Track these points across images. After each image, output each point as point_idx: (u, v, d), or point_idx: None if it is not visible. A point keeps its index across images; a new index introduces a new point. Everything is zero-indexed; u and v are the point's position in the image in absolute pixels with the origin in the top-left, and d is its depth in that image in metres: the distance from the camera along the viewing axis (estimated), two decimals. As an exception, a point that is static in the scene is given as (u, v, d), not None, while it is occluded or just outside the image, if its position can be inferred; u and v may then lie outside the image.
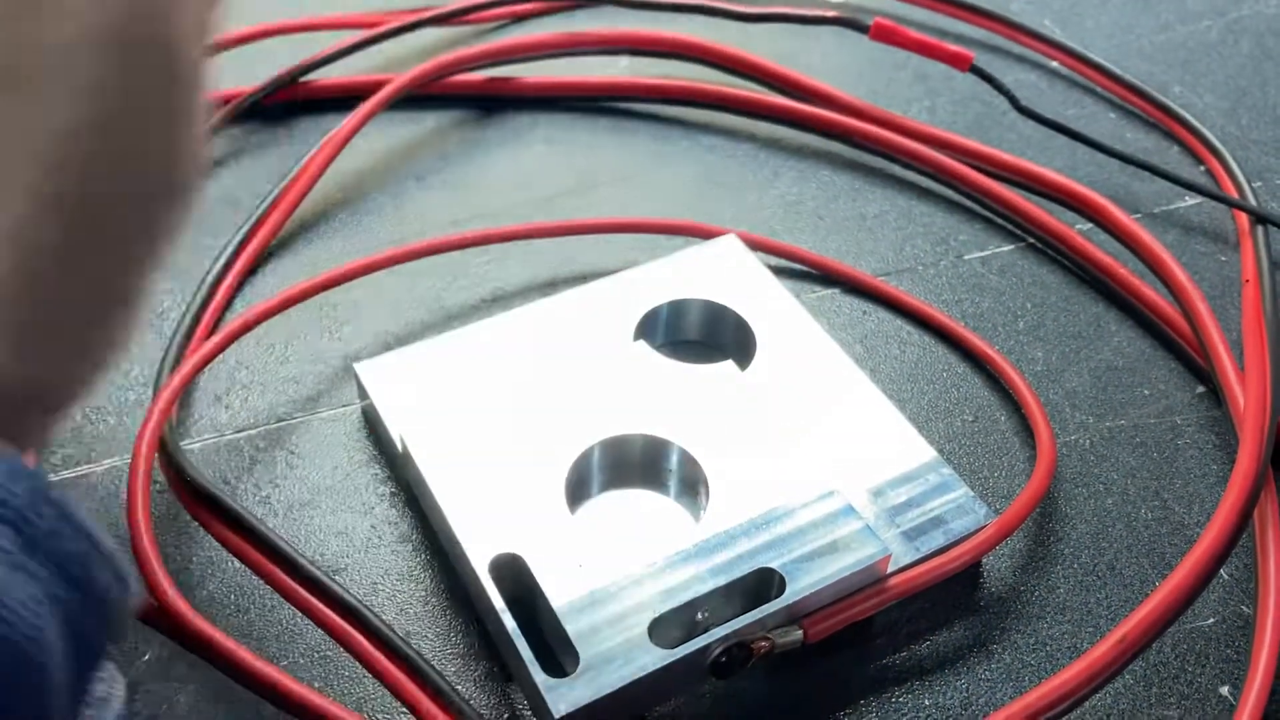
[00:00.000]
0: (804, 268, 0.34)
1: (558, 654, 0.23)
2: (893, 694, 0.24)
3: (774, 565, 0.23)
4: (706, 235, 0.32)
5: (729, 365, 0.27)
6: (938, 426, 0.29)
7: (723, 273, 0.31)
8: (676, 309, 0.30)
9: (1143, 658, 0.25)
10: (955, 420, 0.30)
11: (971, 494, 0.26)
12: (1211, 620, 0.26)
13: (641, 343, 0.28)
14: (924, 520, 0.25)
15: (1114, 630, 0.22)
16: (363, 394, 0.28)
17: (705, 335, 0.30)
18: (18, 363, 0.15)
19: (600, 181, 0.36)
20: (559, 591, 0.23)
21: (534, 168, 0.37)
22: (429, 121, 0.39)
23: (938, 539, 0.25)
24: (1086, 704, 0.24)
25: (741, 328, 0.30)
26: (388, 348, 0.30)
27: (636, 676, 0.21)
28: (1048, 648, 0.25)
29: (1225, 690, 0.25)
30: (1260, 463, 0.25)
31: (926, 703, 0.24)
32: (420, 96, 0.38)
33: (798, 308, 0.30)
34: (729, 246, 0.31)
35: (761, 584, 0.24)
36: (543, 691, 0.21)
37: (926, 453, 0.27)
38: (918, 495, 0.26)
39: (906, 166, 0.37)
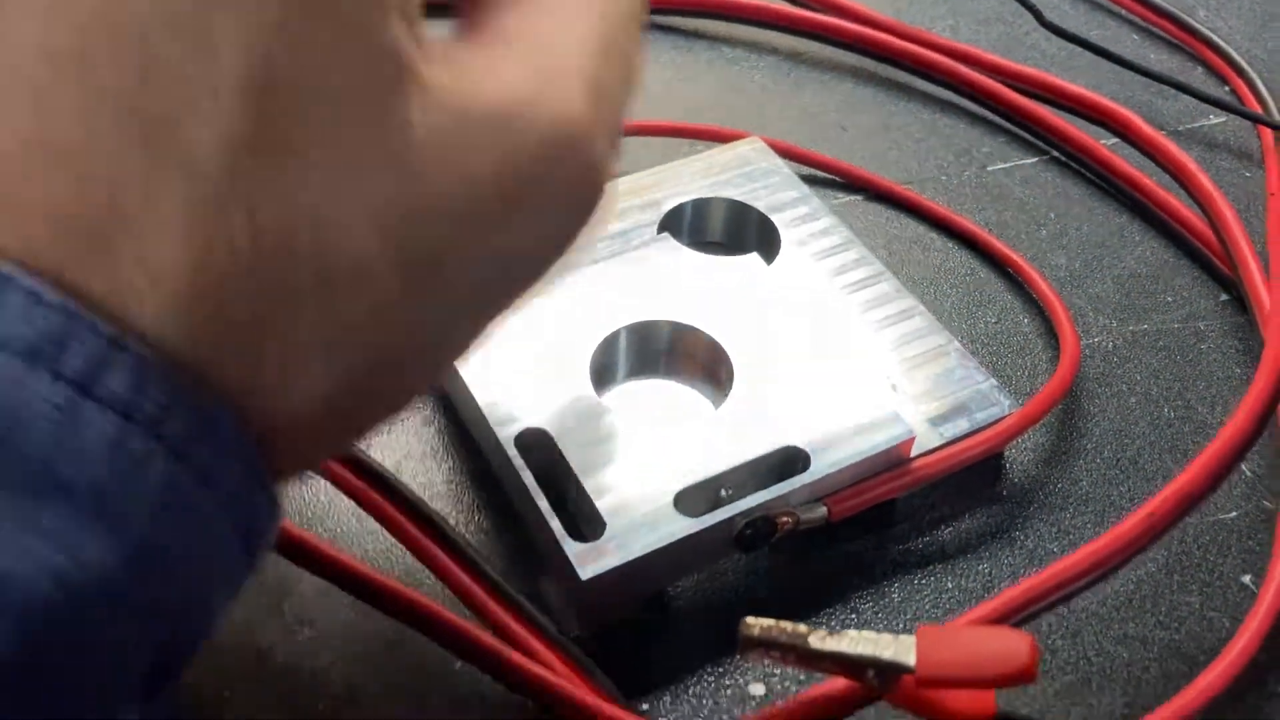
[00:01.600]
0: (827, 175, 0.33)
1: (583, 528, 0.23)
2: (915, 576, 0.24)
3: (798, 443, 0.23)
4: (729, 139, 0.32)
5: (754, 258, 0.27)
6: (961, 327, 0.29)
7: (747, 174, 0.30)
8: (700, 208, 0.30)
9: (1166, 547, 0.25)
10: (979, 322, 0.30)
11: (995, 383, 0.26)
12: (1235, 513, 0.26)
13: (666, 235, 0.28)
14: (948, 407, 0.25)
15: (1141, 506, 0.22)
16: None
17: (729, 235, 0.30)
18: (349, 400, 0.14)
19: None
20: (585, 464, 0.23)
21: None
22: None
23: (962, 425, 0.25)
24: (1109, 588, 0.24)
25: (765, 226, 0.29)
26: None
27: (662, 544, 0.22)
28: (1070, 536, 0.25)
29: (1247, 579, 0.25)
30: (1288, 354, 0.25)
31: (949, 585, 0.24)
32: (440, 3, 0.38)
33: (822, 208, 0.30)
34: (753, 148, 0.31)
35: (786, 463, 0.24)
36: (569, 556, 0.21)
37: (951, 343, 0.27)
38: (942, 383, 0.26)
39: (930, 80, 0.37)
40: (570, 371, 0.25)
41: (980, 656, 0.17)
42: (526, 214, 0.15)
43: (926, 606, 0.24)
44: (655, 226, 0.29)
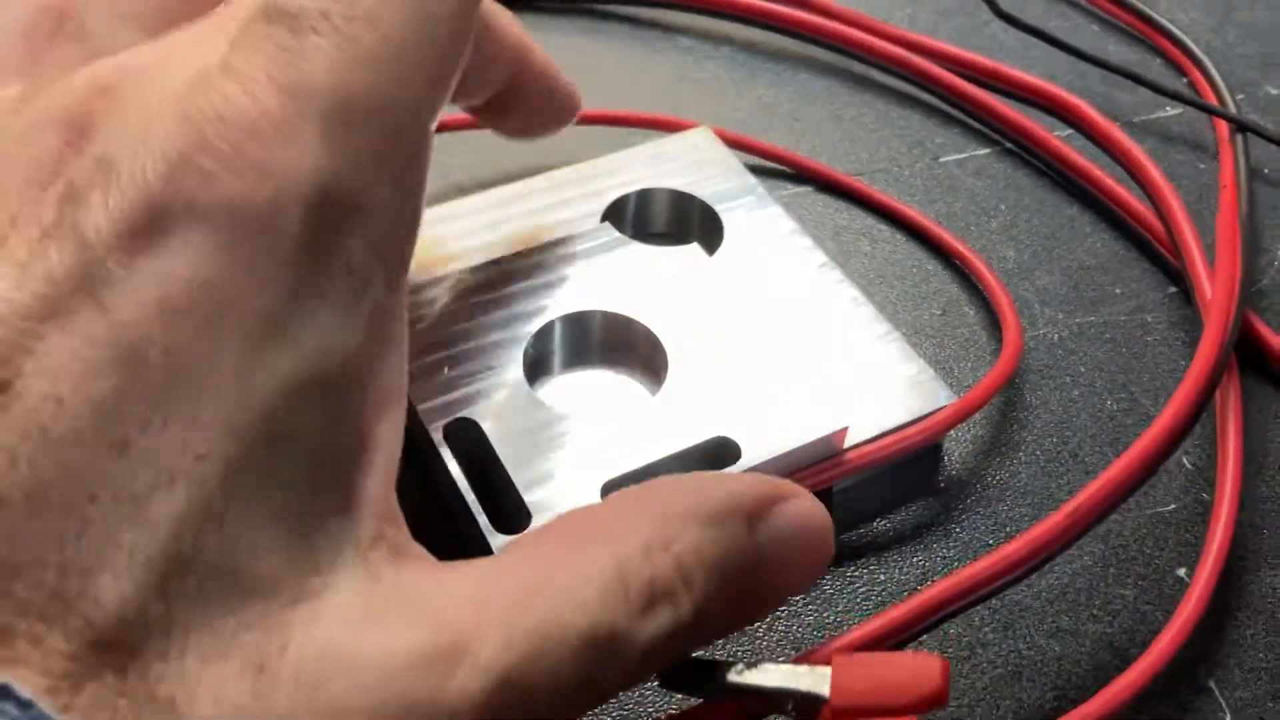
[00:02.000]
0: (777, 165, 0.33)
1: (511, 520, 0.23)
2: (848, 568, 0.24)
3: (729, 434, 0.23)
4: (679, 129, 0.32)
5: (694, 248, 0.27)
6: (906, 318, 0.29)
7: (693, 163, 0.30)
8: (644, 198, 0.30)
9: (1102, 540, 0.25)
10: (923, 313, 0.29)
11: (933, 374, 0.25)
12: (1173, 506, 0.26)
13: (607, 224, 0.28)
14: (886, 398, 0.25)
15: (1066, 503, 0.22)
16: None
17: (673, 225, 0.30)
18: None
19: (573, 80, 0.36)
20: (513, 455, 0.23)
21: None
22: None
23: (898, 415, 0.25)
24: (1043, 581, 0.24)
25: (709, 217, 0.29)
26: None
27: None
28: (1006, 529, 0.25)
29: (1182, 572, 0.24)
30: (1223, 343, 0.25)
31: (881, 578, 0.24)
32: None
33: (767, 199, 0.29)
34: (700, 138, 0.31)
35: (717, 453, 0.23)
36: (493, 548, 0.21)
37: (892, 333, 0.26)
38: (881, 374, 0.26)
39: (885, 71, 0.36)
40: (503, 362, 0.24)
41: (893, 683, 0.16)
42: None
43: (859, 599, 0.24)
44: (598, 216, 0.29)
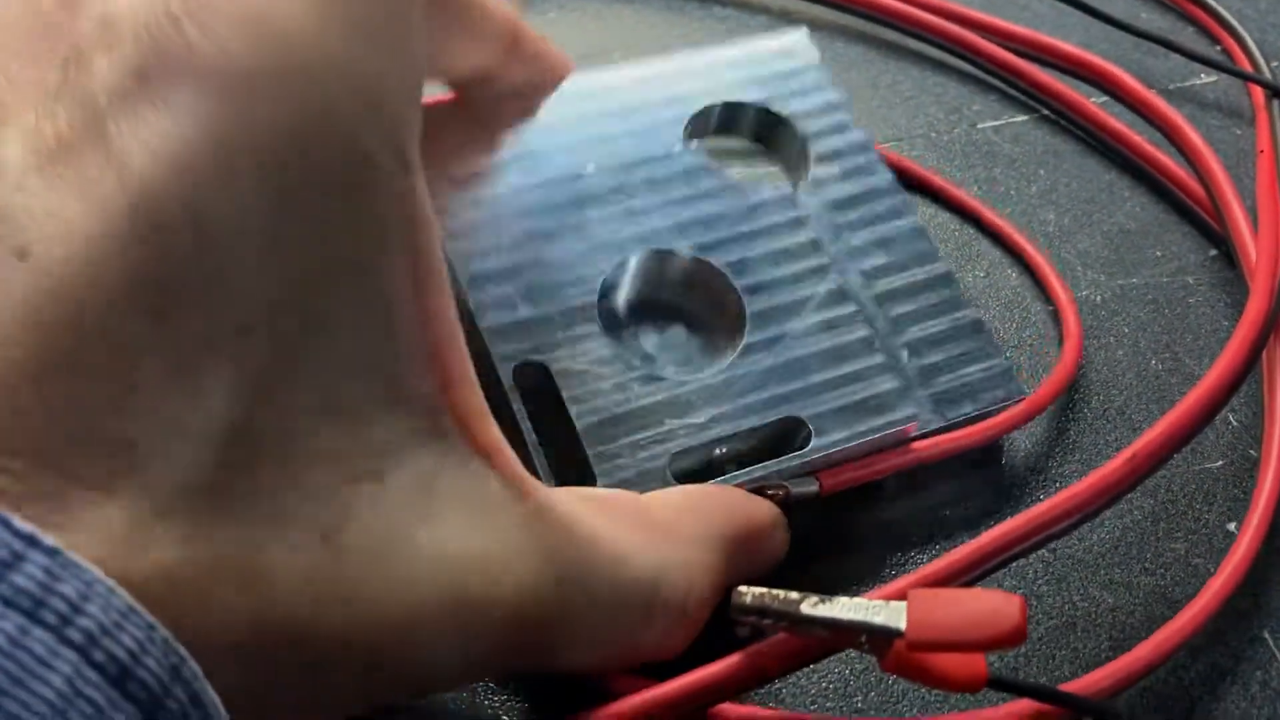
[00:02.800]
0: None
1: (573, 475, 0.23)
2: (897, 526, 0.24)
3: (802, 415, 0.23)
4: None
5: (785, 189, 0.26)
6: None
7: (783, 73, 0.29)
8: (730, 110, 0.28)
9: (1152, 495, 0.25)
10: (986, 309, 0.30)
11: (1007, 364, 0.25)
12: (1220, 462, 0.26)
13: (696, 144, 0.27)
14: (956, 386, 0.25)
15: (1123, 450, 0.22)
16: None
17: (759, 139, 0.29)
18: None
19: (610, 50, 0.36)
20: (582, 410, 0.22)
21: (546, 35, 0.37)
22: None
23: (966, 408, 0.24)
24: (1095, 535, 0.24)
25: (798, 140, 0.28)
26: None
27: None
28: (1056, 483, 0.25)
29: (1232, 526, 0.25)
30: (1272, 301, 0.25)
31: (933, 533, 0.24)
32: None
33: (849, 122, 0.28)
34: (797, 43, 0.30)
35: (786, 431, 0.23)
36: None
37: (970, 316, 0.26)
38: (954, 360, 0.25)
39: (920, 39, 0.36)
40: (577, 299, 0.24)
41: (970, 619, 0.17)
42: (407, 661, 0.16)
43: (912, 551, 0.24)
44: (683, 124, 0.27)
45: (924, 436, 0.24)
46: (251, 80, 0.14)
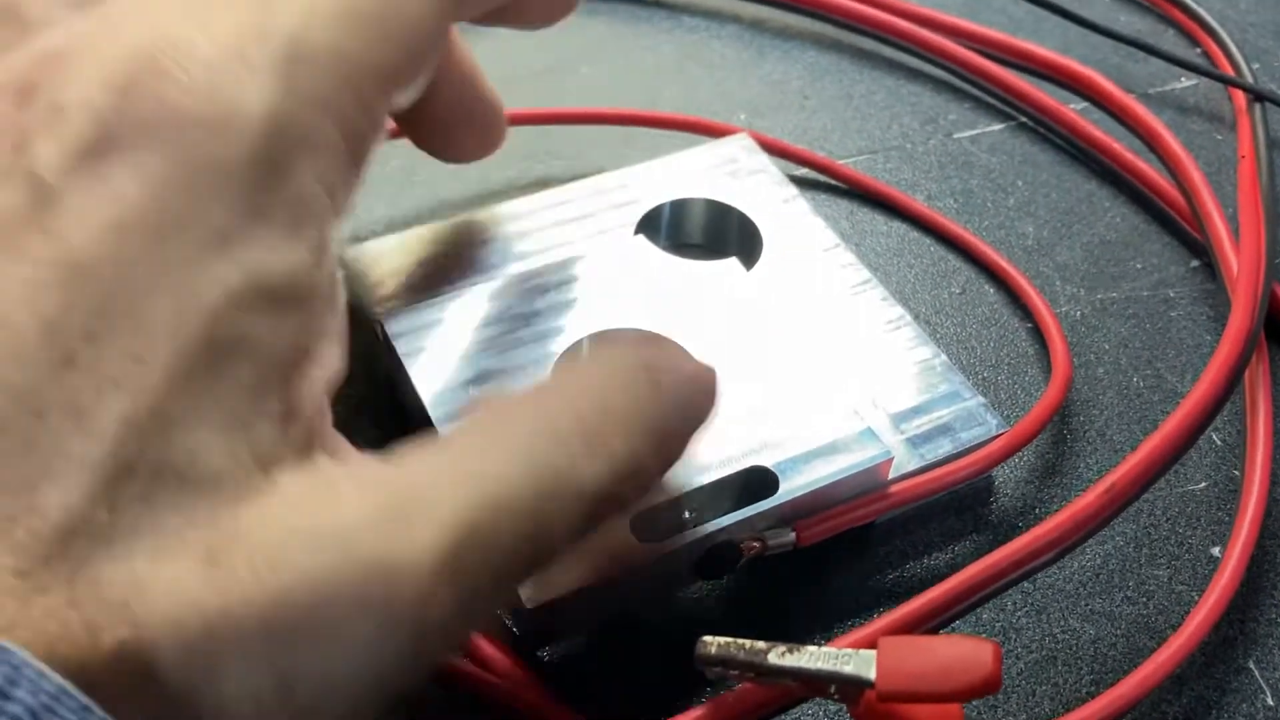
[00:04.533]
0: (816, 175, 0.32)
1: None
2: (877, 551, 0.24)
3: (768, 464, 0.22)
4: (717, 133, 0.31)
5: (733, 263, 0.26)
6: (950, 344, 0.29)
7: (731, 172, 0.29)
8: (679, 209, 0.29)
9: (1134, 520, 0.24)
10: (972, 343, 0.29)
11: (983, 402, 0.24)
12: (1204, 484, 0.25)
13: (641, 237, 0.27)
14: (931, 426, 0.24)
15: (1100, 480, 0.21)
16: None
17: (709, 237, 0.29)
18: None
19: (577, 62, 0.35)
20: None
21: (508, 48, 0.36)
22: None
23: (945, 447, 0.24)
24: (1075, 563, 0.24)
25: (747, 228, 0.28)
26: (374, 235, 0.28)
27: (614, 570, 0.20)
28: (1036, 510, 0.24)
29: (1216, 551, 0.24)
30: (1252, 320, 0.25)
31: (909, 563, 0.23)
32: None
33: (809, 211, 0.28)
34: (741, 146, 0.30)
35: (754, 484, 0.22)
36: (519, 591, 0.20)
37: (938, 357, 0.25)
38: (926, 400, 0.24)
39: (895, 46, 0.36)
40: (531, 382, 0.23)
41: (942, 668, 0.16)
42: (325, 644, 0.15)
43: (888, 585, 0.23)
44: (631, 228, 0.28)
45: (902, 480, 0.23)
46: (198, 141, 0.15)
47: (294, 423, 0.16)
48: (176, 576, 0.14)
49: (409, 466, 0.16)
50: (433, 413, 0.23)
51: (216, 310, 0.15)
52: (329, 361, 0.17)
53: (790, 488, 0.22)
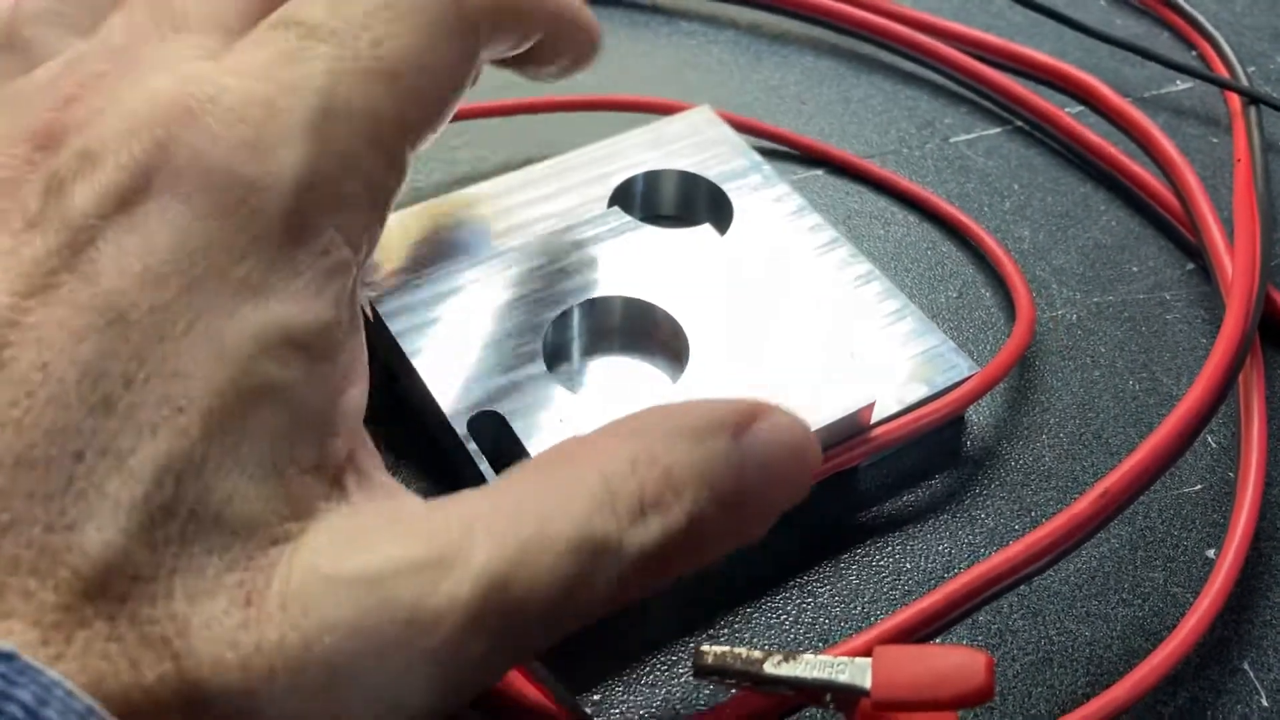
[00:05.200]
0: (786, 149, 0.33)
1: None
2: (874, 557, 0.24)
3: None
4: (679, 110, 0.32)
5: (707, 229, 0.27)
6: (921, 301, 0.29)
7: (697, 143, 0.30)
8: (650, 180, 0.29)
9: (1129, 523, 0.25)
10: (940, 295, 0.29)
11: (954, 346, 0.25)
12: (1199, 486, 0.25)
13: (616, 209, 0.27)
14: (907, 372, 0.25)
15: (1096, 485, 0.22)
16: None
17: (681, 206, 0.30)
18: None
19: (578, 68, 0.36)
20: (540, 447, 0.22)
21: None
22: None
23: (921, 390, 0.25)
24: (1070, 566, 0.24)
25: (717, 196, 0.29)
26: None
27: None
28: (1032, 513, 0.25)
29: (1210, 553, 0.24)
30: (1246, 323, 0.25)
31: (908, 566, 0.24)
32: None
33: (774, 176, 0.29)
34: (702, 117, 0.31)
35: None
36: None
37: (908, 307, 0.26)
38: (900, 347, 0.25)
39: (891, 51, 0.36)
40: (523, 352, 0.24)
41: (937, 677, 0.16)
42: (357, 688, 0.15)
43: (885, 589, 0.23)
44: (605, 201, 0.28)
45: (884, 423, 0.24)
46: (232, 194, 0.15)
47: (326, 467, 0.16)
48: (215, 616, 0.14)
49: (449, 513, 0.16)
50: (432, 388, 0.23)
51: (248, 360, 0.15)
52: (356, 403, 0.17)
53: None
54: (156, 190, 0.15)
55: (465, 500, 0.16)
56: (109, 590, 0.14)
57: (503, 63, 0.23)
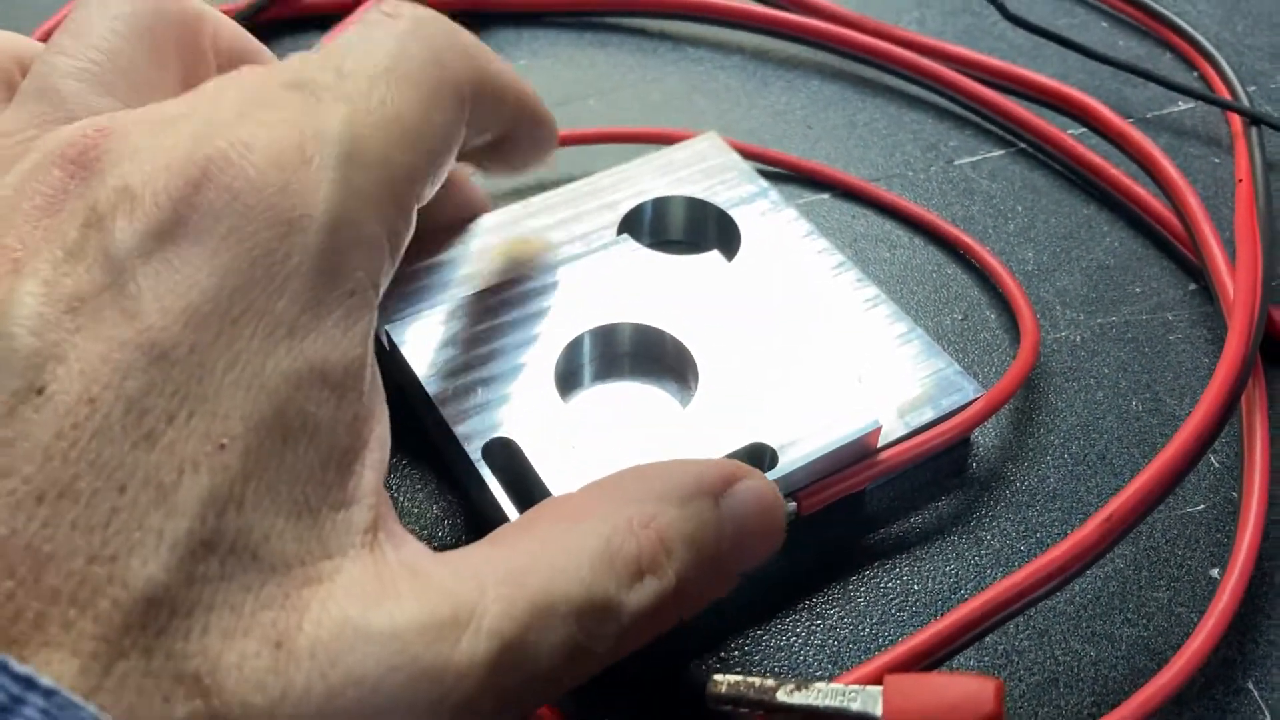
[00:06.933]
0: (793, 174, 0.33)
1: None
2: (881, 579, 0.24)
3: (765, 440, 0.23)
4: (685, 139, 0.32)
5: (714, 255, 0.27)
6: (927, 323, 0.29)
7: (704, 170, 0.30)
8: (659, 207, 0.30)
9: (1133, 543, 0.25)
10: (945, 318, 0.30)
11: (959, 369, 0.26)
12: (1202, 506, 0.26)
13: (626, 236, 0.28)
14: (913, 395, 0.25)
15: (1100, 510, 0.22)
16: None
17: (689, 233, 0.30)
18: None
19: (585, 95, 0.36)
20: (552, 473, 0.23)
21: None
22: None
23: (927, 413, 0.25)
24: (1076, 586, 0.24)
25: (725, 222, 0.29)
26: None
27: None
28: (1037, 534, 0.25)
29: (1215, 573, 0.25)
30: (1248, 345, 0.25)
31: (915, 588, 0.24)
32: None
33: (781, 202, 0.29)
34: (710, 144, 0.31)
35: (753, 459, 0.23)
36: None
37: (914, 331, 0.27)
38: (907, 371, 0.26)
39: (896, 75, 0.36)
40: (535, 378, 0.24)
41: (946, 705, 0.17)
42: None
43: (893, 610, 0.24)
44: (615, 228, 0.29)
45: (891, 446, 0.24)
46: (269, 237, 0.16)
47: (356, 508, 0.16)
48: (246, 657, 0.15)
49: (461, 569, 0.17)
50: (446, 415, 0.24)
51: (286, 399, 0.16)
52: (382, 445, 0.18)
53: (788, 461, 0.23)
54: (195, 229, 0.16)
55: (476, 556, 0.17)
56: (148, 623, 0.14)
57: (472, 158, 0.24)
